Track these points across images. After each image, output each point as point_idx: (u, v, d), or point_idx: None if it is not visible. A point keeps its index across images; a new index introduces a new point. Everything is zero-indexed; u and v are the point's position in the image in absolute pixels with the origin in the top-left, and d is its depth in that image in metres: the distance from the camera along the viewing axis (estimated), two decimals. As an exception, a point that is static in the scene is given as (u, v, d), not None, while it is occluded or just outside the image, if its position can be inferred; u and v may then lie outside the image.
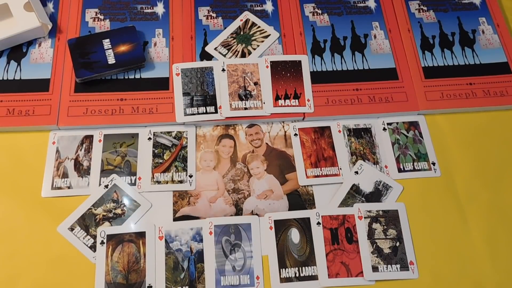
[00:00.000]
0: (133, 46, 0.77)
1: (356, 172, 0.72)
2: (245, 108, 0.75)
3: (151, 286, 0.63)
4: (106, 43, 0.77)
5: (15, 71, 0.75)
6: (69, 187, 0.69)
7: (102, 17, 0.81)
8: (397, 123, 0.77)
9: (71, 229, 0.66)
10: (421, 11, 0.86)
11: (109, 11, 0.82)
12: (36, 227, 0.66)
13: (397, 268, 0.66)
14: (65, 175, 0.70)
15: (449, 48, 0.82)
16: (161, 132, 0.73)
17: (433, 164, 0.74)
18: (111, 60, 0.75)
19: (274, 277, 0.65)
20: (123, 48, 0.76)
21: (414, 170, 0.73)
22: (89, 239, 0.66)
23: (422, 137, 0.76)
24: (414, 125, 0.77)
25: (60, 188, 0.69)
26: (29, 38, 0.78)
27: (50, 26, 0.78)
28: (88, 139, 0.72)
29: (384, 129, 0.76)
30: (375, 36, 0.83)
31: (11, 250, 0.65)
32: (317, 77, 0.78)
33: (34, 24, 0.76)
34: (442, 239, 0.69)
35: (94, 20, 0.81)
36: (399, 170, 0.73)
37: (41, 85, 0.74)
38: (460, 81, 0.79)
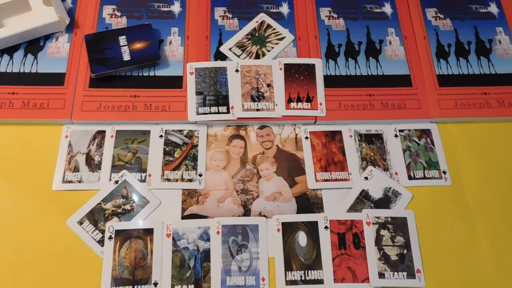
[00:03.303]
0: (149, 43, 0.77)
1: (366, 178, 0.72)
2: (257, 110, 0.75)
3: (157, 283, 0.63)
4: (122, 39, 0.77)
5: (32, 64, 0.76)
6: (79, 181, 0.70)
7: (119, 14, 0.82)
8: (409, 130, 0.76)
9: (80, 223, 0.67)
10: (437, 18, 0.85)
11: (126, 8, 0.83)
12: (46, 219, 0.67)
13: (403, 275, 0.66)
14: (76, 169, 0.70)
15: (464, 57, 0.82)
16: (173, 130, 0.74)
17: (444, 172, 0.73)
18: (126, 56, 0.76)
19: (279, 279, 0.65)
20: (138, 45, 0.77)
21: (424, 178, 0.73)
22: (97, 234, 0.66)
23: (433, 145, 0.75)
24: (426, 132, 0.76)
25: (71, 181, 0.69)
26: (47, 32, 0.79)
27: (67, 21, 0.79)
28: (100, 134, 0.73)
29: (396, 135, 0.76)
30: (390, 42, 0.82)
31: (20, 241, 0.66)
32: (331, 81, 0.78)
33: (52, 19, 0.77)
34: (450, 249, 0.68)
35: (111, 17, 0.82)
36: (409, 178, 0.73)
37: (56, 79, 0.75)
38: (475, 90, 0.78)
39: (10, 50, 0.77)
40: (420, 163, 0.74)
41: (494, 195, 0.72)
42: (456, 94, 0.78)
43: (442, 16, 0.86)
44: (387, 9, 0.86)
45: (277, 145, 0.75)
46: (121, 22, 0.81)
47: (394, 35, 0.83)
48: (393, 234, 0.68)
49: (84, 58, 0.77)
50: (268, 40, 0.82)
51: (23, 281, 0.63)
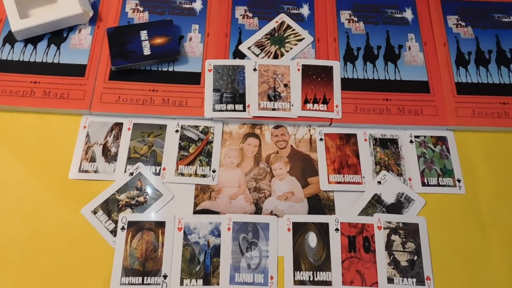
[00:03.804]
0: (169, 39, 0.78)
1: (379, 182, 0.72)
2: (273, 109, 0.75)
3: (166, 276, 0.64)
4: (143, 34, 0.78)
5: (54, 55, 0.78)
6: (95, 171, 0.71)
7: (141, 8, 0.83)
8: (425, 136, 0.76)
9: (94, 212, 0.68)
10: (459, 26, 0.85)
11: (149, 4, 0.84)
12: (61, 207, 0.68)
13: (413, 282, 0.65)
14: (92, 159, 0.71)
15: (484, 66, 0.81)
16: (189, 126, 0.75)
17: (458, 181, 0.73)
18: (146, 51, 0.77)
19: (288, 278, 0.65)
20: (159, 40, 0.78)
21: (438, 185, 0.72)
22: (110, 224, 0.67)
23: (449, 153, 0.75)
24: (442, 140, 0.76)
25: (87, 171, 0.71)
26: (70, 24, 0.80)
27: (91, 14, 0.81)
28: (117, 126, 0.74)
29: (411, 141, 0.75)
30: (409, 48, 0.82)
31: (35, 227, 0.67)
32: (348, 84, 0.78)
33: (76, 11, 0.78)
34: (461, 258, 0.68)
35: (133, 11, 0.83)
36: (423, 184, 0.72)
37: (77, 70, 0.76)
38: (493, 99, 0.78)
39: (34, 40, 0.79)
40: (434, 170, 0.73)
41: (509, 207, 0.71)
42: (474, 102, 0.77)
43: (463, 23, 0.85)
44: (408, 14, 0.86)
45: (291, 145, 0.75)
46: (143, 17, 0.83)
47: (414, 40, 0.83)
48: (404, 239, 0.68)
49: (105, 51, 0.78)
50: (287, 40, 0.82)
51: (37, 266, 0.64)
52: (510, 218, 0.71)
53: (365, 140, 0.75)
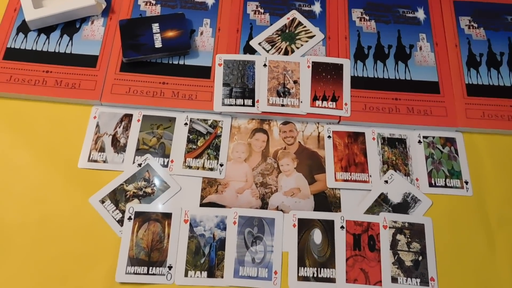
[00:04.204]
0: (181, 32, 0.79)
1: (386, 181, 0.72)
2: (282, 105, 0.76)
3: (171, 267, 0.65)
4: (155, 27, 0.79)
5: (67, 45, 0.78)
6: (104, 161, 0.71)
7: (154, 1, 0.84)
8: (434, 137, 0.76)
9: (102, 201, 0.68)
10: (471, 27, 0.84)
11: (161, -3, 0.85)
12: (70, 195, 0.69)
13: (417, 282, 0.65)
14: (102, 150, 0.72)
15: (496, 68, 0.80)
16: (198, 119, 0.75)
17: (466, 183, 0.72)
18: (158, 44, 0.77)
19: (292, 274, 0.65)
20: (170, 33, 0.79)
21: (445, 186, 0.72)
22: (117, 213, 0.68)
23: (457, 154, 0.74)
24: (450, 141, 0.75)
25: (96, 161, 0.71)
26: (83, 15, 0.81)
27: (104, 6, 0.81)
28: (127, 118, 0.75)
29: (420, 141, 0.75)
30: (420, 48, 0.82)
31: (44, 215, 0.68)
32: (357, 82, 0.78)
33: (90, 2, 0.79)
34: (466, 260, 0.68)
35: (146, 4, 0.83)
36: (430, 185, 0.72)
37: (89, 61, 0.77)
38: (504, 102, 0.77)
39: (47, 30, 0.80)
40: (442, 171, 0.73)
41: (517, 211, 0.71)
42: (484, 104, 0.77)
43: (475, 25, 0.84)
44: (420, 14, 0.85)
45: (299, 142, 0.75)
46: (155, 10, 0.83)
47: (425, 41, 0.82)
48: (409, 239, 0.68)
49: (117, 43, 0.79)
50: (298, 37, 0.82)
51: (44, 252, 0.65)
52: (517, 222, 0.70)
53: (373, 139, 0.75)
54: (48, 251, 0.65)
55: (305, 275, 0.65)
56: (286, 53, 0.80)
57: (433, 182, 0.72)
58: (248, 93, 0.76)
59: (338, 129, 0.76)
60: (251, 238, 0.67)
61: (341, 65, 0.79)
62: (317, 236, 0.68)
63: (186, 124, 0.75)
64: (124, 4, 0.83)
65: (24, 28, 0.79)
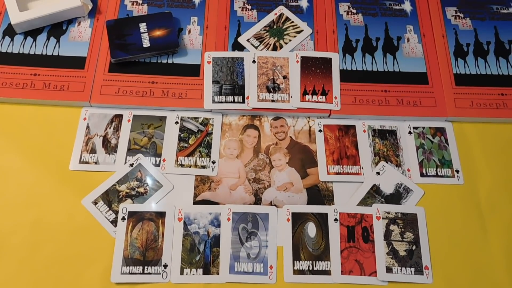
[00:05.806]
0: (168, 31, 0.79)
1: (378, 173, 0.72)
2: (272, 101, 0.76)
3: (167, 265, 0.65)
4: (143, 26, 0.79)
5: (54, 47, 0.78)
6: (96, 163, 0.71)
7: (140, 1, 0.83)
8: (424, 127, 0.76)
9: (95, 203, 0.68)
10: (457, 17, 0.85)
11: (148, -4, 0.84)
12: (62, 197, 0.69)
13: (411, 271, 0.66)
14: (93, 151, 0.72)
15: (483, 57, 0.81)
16: (188, 117, 0.75)
17: (457, 171, 0.73)
18: (146, 43, 0.77)
19: (287, 268, 0.66)
20: (158, 32, 0.78)
21: (437, 176, 0.73)
22: (111, 214, 0.68)
23: (447, 144, 0.75)
24: (440, 131, 0.76)
25: (87, 162, 0.71)
26: (70, 17, 0.80)
27: (90, 7, 0.81)
28: (117, 118, 0.74)
29: (410, 132, 0.76)
30: (408, 40, 0.82)
31: (36, 218, 0.67)
32: (347, 76, 0.78)
33: (76, 3, 0.78)
34: (459, 247, 0.68)
35: (132, 4, 0.83)
36: (422, 175, 0.73)
37: (77, 63, 0.77)
38: (492, 91, 0.78)
39: (34, 33, 0.79)
40: (433, 161, 0.74)
41: (507, 197, 0.72)
42: (472, 93, 0.78)
43: (462, 15, 0.85)
44: (407, 6, 0.86)
45: (290, 137, 0.75)
46: (142, 9, 0.83)
47: (412, 32, 0.83)
48: (402, 229, 0.68)
49: (105, 43, 0.79)
50: (286, 32, 0.82)
51: (37, 255, 0.65)
52: (508, 208, 0.71)
53: (364, 131, 0.76)
54: (43, 254, 0.65)
55: (301, 269, 0.66)
56: (274, 48, 0.80)
57: (424, 172, 0.73)
58: (238, 89, 0.76)
59: (328, 123, 0.76)
60: (246, 233, 0.67)
61: (330, 59, 0.79)
62: (311, 229, 0.68)
63: (177, 122, 0.75)
64: (110, 4, 0.83)
65: (10, 31, 0.79)
